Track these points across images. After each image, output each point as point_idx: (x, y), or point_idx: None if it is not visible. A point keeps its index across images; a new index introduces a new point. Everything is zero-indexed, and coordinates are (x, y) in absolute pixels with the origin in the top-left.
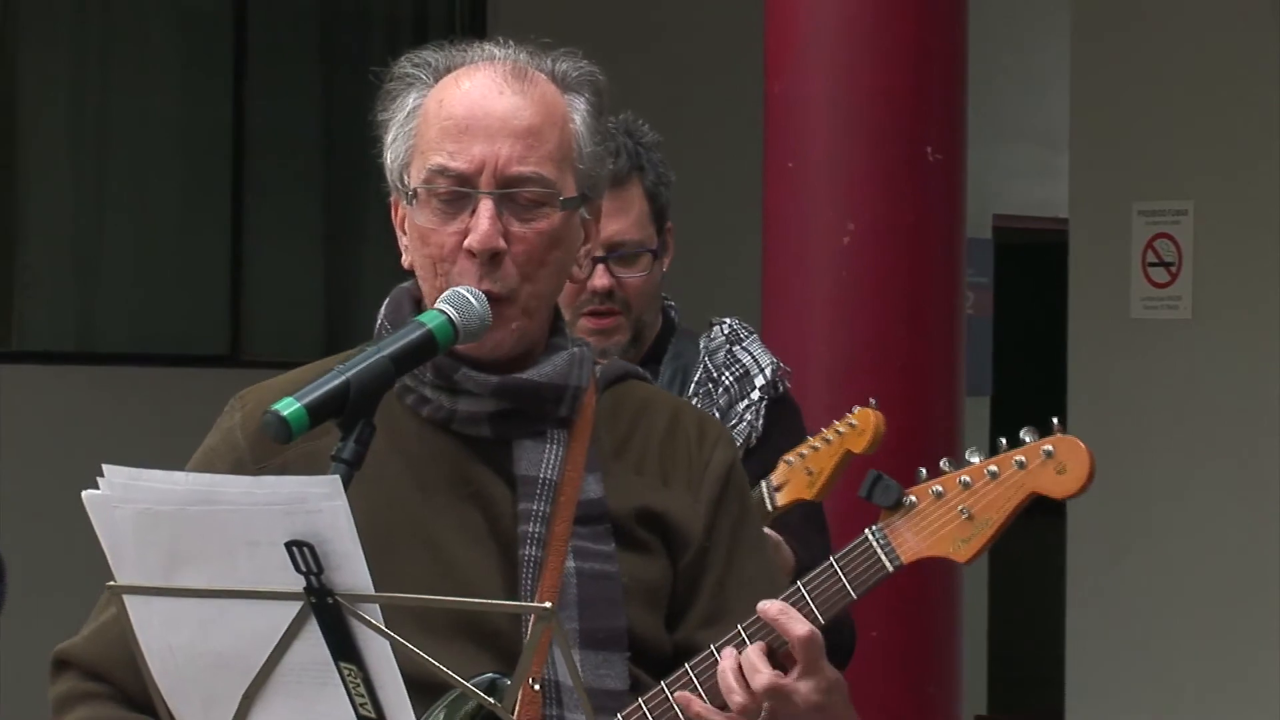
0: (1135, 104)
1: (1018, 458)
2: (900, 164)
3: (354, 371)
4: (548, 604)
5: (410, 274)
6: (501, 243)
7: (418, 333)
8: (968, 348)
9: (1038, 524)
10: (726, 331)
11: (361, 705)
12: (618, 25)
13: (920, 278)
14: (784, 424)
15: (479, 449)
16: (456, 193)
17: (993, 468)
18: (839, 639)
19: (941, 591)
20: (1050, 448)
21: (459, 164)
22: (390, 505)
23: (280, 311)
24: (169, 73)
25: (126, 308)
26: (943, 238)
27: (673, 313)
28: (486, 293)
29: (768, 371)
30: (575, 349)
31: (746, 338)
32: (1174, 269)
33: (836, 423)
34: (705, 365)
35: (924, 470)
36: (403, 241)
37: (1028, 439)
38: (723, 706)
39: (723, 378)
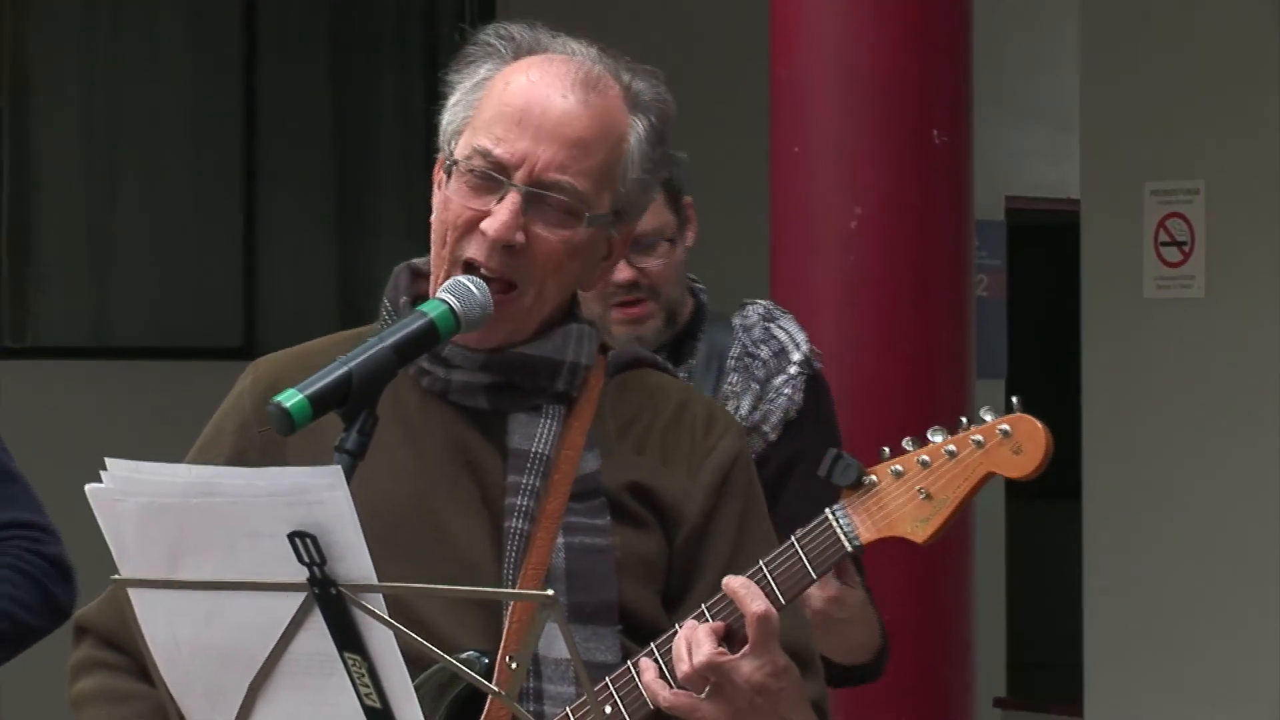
0: (1146, 83)
1: (975, 437)
2: (906, 147)
3: (356, 362)
4: (549, 592)
5: (424, 248)
6: (518, 238)
7: (419, 322)
8: (981, 330)
9: (1055, 505)
10: (761, 310)
11: (367, 695)
12: (622, 10)
13: (928, 260)
14: (821, 400)
15: (475, 420)
16: (490, 176)
17: (951, 447)
18: (877, 665)
19: (953, 571)
20: (1007, 427)
21: (501, 151)
22: (389, 473)
23: (294, 303)
24: (180, 63)
25: (141, 303)
26: (950, 220)
27: (702, 295)
28: (496, 273)
29: (804, 348)
30: (575, 325)
31: (781, 316)
32: (1186, 248)
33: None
34: (741, 342)
35: (887, 449)
36: (436, 199)
37: (987, 418)
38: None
39: (760, 352)
